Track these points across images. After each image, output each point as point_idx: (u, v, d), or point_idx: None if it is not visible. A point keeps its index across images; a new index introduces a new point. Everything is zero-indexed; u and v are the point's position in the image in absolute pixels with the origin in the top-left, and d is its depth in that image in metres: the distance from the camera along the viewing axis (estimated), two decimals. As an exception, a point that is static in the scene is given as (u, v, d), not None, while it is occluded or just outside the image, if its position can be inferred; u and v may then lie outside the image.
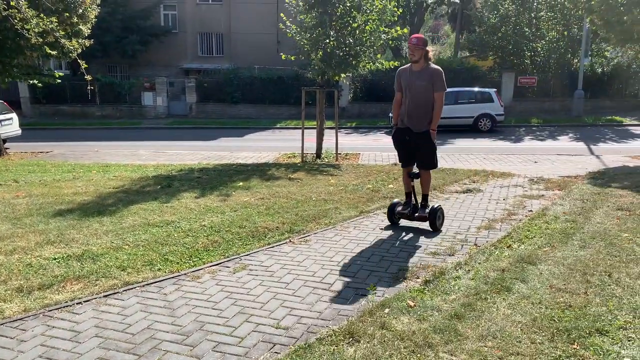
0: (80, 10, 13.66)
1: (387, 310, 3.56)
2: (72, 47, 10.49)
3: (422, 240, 5.32)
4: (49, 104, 27.01)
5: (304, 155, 11.99)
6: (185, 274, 4.40)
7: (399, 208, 5.82)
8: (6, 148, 14.44)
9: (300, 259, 4.78)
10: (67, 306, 3.73)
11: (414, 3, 36.08)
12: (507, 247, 4.92)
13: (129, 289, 4.06)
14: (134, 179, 9.17)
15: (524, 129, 19.90)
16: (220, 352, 3.08)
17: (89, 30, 14.29)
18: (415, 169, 5.77)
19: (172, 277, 4.32)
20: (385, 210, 6.17)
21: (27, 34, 7.18)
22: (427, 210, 5.63)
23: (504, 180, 8.62)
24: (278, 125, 22.90)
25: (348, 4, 10.91)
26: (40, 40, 9.90)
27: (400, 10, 12.01)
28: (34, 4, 7.53)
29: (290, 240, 5.35)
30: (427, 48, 5.47)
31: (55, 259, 4.75)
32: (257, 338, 3.25)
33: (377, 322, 3.38)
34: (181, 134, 20.12)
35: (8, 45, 12.67)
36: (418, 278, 4.22)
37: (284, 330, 3.36)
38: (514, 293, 3.81)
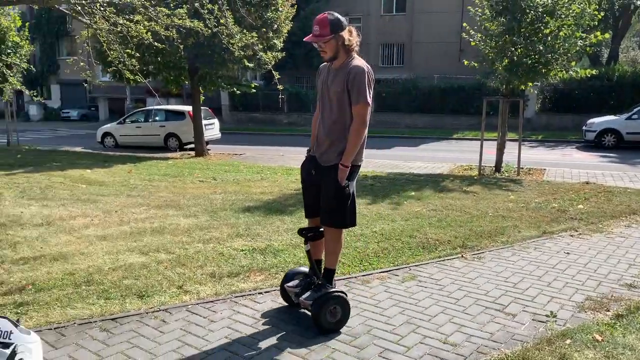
0: (276, 26, 14.93)
1: (568, 342, 3.25)
2: (267, 60, 11.53)
3: (616, 269, 4.74)
4: (244, 111, 30.03)
5: (482, 168, 11.50)
6: (355, 277, 4.53)
7: (290, 283, 3.79)
8: (208, 149, 16.39)
9: (472, 275, 4.60)
10: (250, 294, 4.10)
11: (619, 5, 32.34)
12: None
13: (303, 286, 4.30)
14: (313, 183, 9.70)
15: None
16: (386, 358, 3.11)
17: (281, 44, 15.55)
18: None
19: (344, 279, 4.47)
20: (571, 232, 5.60)
21: (231, 48, 8.07)
22: (317, 295, 3.46)
23: None
24: (455, 136, 22.33)
25: (540, 10, 10.19)
26: (242, 53, 11.06)
27: (602, 14, 10.85)
28: (238, 21, 8.46)
29: (462, 256, 5.18)
30: (343, 33, 3.37)
31: (242, 250, 5.24)
32: (424, 350, 3.21)
33: (556, 352, 3.10)
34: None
35: (215, 59, 14.38)
36: (608, 311, 3.77)
37: (452, 346, 3.26)
38: None
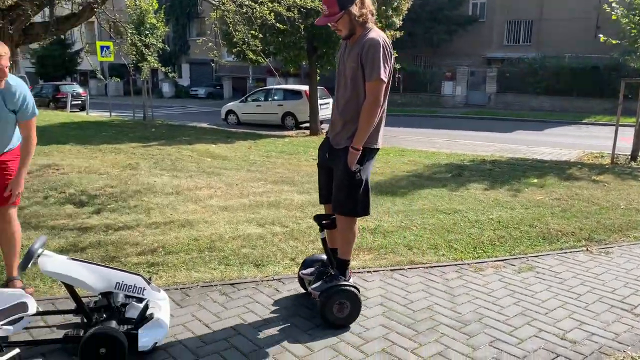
0: (395, 4, 14.69)
1: None
2: (385, 39, 11.41)
3: None
4: (359, 90, 30.06)
5: (615, 156, 10.51)
6: (468, 263, 4.41)
7: (306, 270, 3.64)
8: (322, 128, 16.69)
9: (597, 271, 4.27)
10: (359, 272, 4.16)
11: None
12: None
13: (413, 268, 4.28)
14: (426, 165, 9.53)
15: None
16: (497, 348, 3.00)
17: (400, 22, 15.29)
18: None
19: (455, 265, 4.37)
20: None
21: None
22: (326, 287, 3.25)
23: None
24: (585, 120, 20.61)
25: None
26: (360, 33, 11.07)
27: None
28: None
29: (587, 249, 4.81)
30: (353, 8, 3.04)
31: (353, 229, 5.31)
32: (539, 344, 3.05)
33: (695, 363, 2.80)
34: (477, 125, 19.93)
35: (333, 38, 14.53)
36: None
37: (571, 343, 3.07)
38: None
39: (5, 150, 3.59)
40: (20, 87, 3.48)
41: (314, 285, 3.34)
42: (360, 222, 5.50)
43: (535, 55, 27.11)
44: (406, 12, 15.52)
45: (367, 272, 4.17)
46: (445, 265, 4.35)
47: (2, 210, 3.63)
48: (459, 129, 18.06)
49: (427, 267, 4.30)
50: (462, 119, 22.27)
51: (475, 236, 5.14)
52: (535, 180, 7.99)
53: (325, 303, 3.17)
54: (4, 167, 3.58)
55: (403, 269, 4.27)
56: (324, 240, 3.46)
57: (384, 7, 14.16)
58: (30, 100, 3.57)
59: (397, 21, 15.11)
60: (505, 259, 4.53)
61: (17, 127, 3.62)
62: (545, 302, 3.66)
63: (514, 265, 4.38)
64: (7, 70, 3.33)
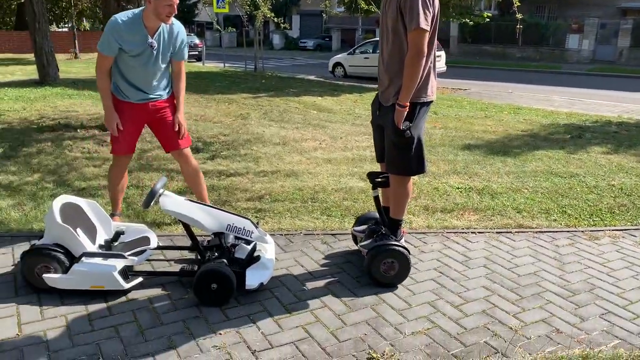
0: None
1: None
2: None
3: None
4: (473, 43, 28.55)
5: None
6: (582, 231, 4.14)
7: (359, 227, 3.56)
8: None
9: None
10: (463, 232, 4.06)
11: None
12: None
13: (521, 232, 4.10)
14: (543, 125, 8.94)
15: None
16: (608, 321, 2.83)
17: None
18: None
19: (568, 231, 4.12)
20: None
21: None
22: (374, 245, 3.16)
23: None
24: None
25: None
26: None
27: None
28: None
29: None
30: None
31: (458, 188, 5.17)
32: (657, 323, 2.83)
33: None
34: (604, 82, 18.20)
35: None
36: None
37: (696, 325, 2.81)
38: None
39: (164, 97, 3.75)
40: (181, 28, 3.68)
41: (364, 243, 3.32)
42: (467, 181, 5.35)
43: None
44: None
45: (472, 232, 4.07)
46: (557, 232, 4.12)
47: (179, 152, 3.85)
48: (583, 86, 16.62)
49: (536, 232, 4.10)
50: (588, 76, 20.43)
51: (593, 202, 4.79)
52: (669, 146, 7.21)
53: (372, 261, 3.11)
54: (164, 113, 3.75)
55: (510, 232, 4.10)
56: (376, 198, 3.38)
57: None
58: (187, 41, 3.76)
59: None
60: (625, 229, 4.19)
61: (169, 72, 3.78)
62: (669, 278, 3.36)
63: (635, 237, 4.04)
64: (176, 7, 3.44)
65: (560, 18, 27.83)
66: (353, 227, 3.65)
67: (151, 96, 3.69)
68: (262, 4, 11.10)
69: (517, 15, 7.42)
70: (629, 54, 24.31)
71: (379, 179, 3.32)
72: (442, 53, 18.22)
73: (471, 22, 16.54)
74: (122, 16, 3.45)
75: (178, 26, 3.65)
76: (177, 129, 3.77)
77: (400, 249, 3.12)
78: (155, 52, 3.55)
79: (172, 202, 3.00)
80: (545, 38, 26.66)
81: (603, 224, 4.33)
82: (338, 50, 34.64)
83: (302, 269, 3.38)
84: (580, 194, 5.04)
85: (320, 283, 3.20)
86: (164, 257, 3.47)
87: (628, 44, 24.35)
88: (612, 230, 4.17)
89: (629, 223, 4.34)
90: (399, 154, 3.10)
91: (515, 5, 7.14)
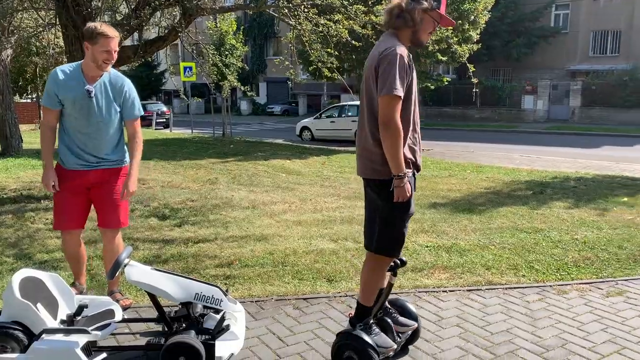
0: (473, 17, 14.43)
1: None
2: (461, 53, 11.21)
3: None
4: (434, 106, 29.67)
5: None
6: (550, 285, 4.19)
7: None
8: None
9: (699, 298, 3.92)
10: (434, 291, 4.06)
11: None
12: None
13: (491, 289, 4.12)
14: (505, 182, 9.20)
15: None
16: (583, 378, 2.82)
17: (477, 36, 14.98)
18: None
19: (537, 287, 4.17)
20: None
21: (425, 43, 8.07)
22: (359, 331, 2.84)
23: None
24: (683, 135, 19.10)
25: None
26: (435, 47, 10.95)
27: None
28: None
29: (686, 274, 4.43)
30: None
31: (427, 246, 5.21)
32: (630, 376, 2.84)
33: None
34: (559, 140, 19.02)
35: (408, 54, 14.50)
36: None
37: (667, 377, 2.83)
38: None
39: (110, 164, 3.49)
40: (126, 81, 3.51)
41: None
42: (435, 239, 5.40)
43: (625, 66, 25.56)
44: (484, 25, 15.18)
45: (443, 291, 4.07)
46: (526, 287, 4.16)
47: (111, 230, 3.58)
48: (540, 144, 17.30)
49: (506, 288, 4.13)
50: (544, 135, 21.32)
51: (559, 257, 4.88)
52: (625, 199, 7.49)
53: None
54: (109, 184, 3.49)
55: (480, 289, 4.12)
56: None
57: (460, 21, 13.94)
58: (137, 96, 3.56)
59: (474, 35, 14.81)
60: (591, 282, 4.26)
61: (122, 136, 3.54)
62: (637, 329, 3.40)
63: (602, 289, 4.11)
64: (115, 55, 3.34)
65: (515, 80, 29.31)
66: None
67: (93, 163, 3.46)
68: (229, 73, 11.38)
69: (473, 80, 7.81)
70: (580, 112, 25.60)
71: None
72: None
73: (432, 86, 17.25)
74: (62, 67, 3.42)
75: (122, 78, 3.49)
76: (123, 195, 3.47)
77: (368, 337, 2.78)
78: (95, 101, 3.37)
79: (138, 272, 2.92)
80: (502, 99, 27.92)
81: (570, 277, 4.39)
82: (305, 114, 35.36)
83: (274, 337, 3.29)
84: (546, 248, 5.14)
85: (293, 350, 3.12)
86: (129, 330, 3.34)
87: (579, 103, 25.69)
88: (579, 284, 4.23)
89: (594, 276, 4.42)
90: (376, 230, 2.88)
91: (471, 70, 7.53)
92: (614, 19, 27.51)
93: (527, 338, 3.29)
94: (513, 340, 3.25)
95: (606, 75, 25.94)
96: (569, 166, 11.75)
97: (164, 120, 27.73)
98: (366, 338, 2.77)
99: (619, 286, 4.17)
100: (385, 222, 2.82)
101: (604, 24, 27.98)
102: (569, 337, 3.29)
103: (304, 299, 3.89)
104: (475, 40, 14.88)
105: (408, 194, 2.71)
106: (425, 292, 4.05)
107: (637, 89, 23.74)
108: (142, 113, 3.69)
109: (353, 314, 3.03)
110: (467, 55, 13.39)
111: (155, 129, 25.92)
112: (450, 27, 9.25)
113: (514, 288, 4.13)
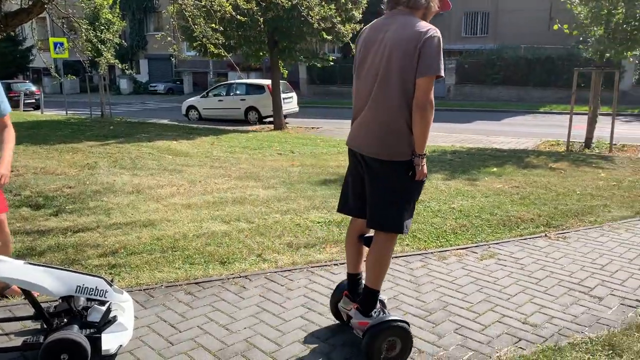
0: (355, -4, 14.73)
1: (661, 330, 3.05)
2: (345, 32, 11.44)
3: None
4: (322, 84, 30.12)
5: (570, 143, 10.87)
6: (432, 252, 4.48)
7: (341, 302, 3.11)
8: (286, 123, 16.64)
9: (556, 255, 4.41)
10: (326, 265, 4.17)
11: None
12: None
13: (379, 259, 4.31)
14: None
15: None
16: (462, 335, 3.07)
17: (360, 15, 15.34)
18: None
19: (419, 254, 4.44)
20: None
21: (310, 20, 8.09)
22: (372, 322, 2.75)
23: None
24: (541, 110, 21.22)
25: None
26: (320, 26, 11.06)
27: None
28: (317, -8, 8.49)
29: (546, 235, 4.96)
30: None
31: (319, 222, 5.32)
32: (502, 329, 3.13)
33: (647, 340, 2.92)
34: (436, 116, 20.05)
35: (294, 32, 14.47)
36: None
37: (532, 327, 3.16)
38: None
39: None
40: None
41: (354, 318, 2.89)
42: (327, 215, 5.52)
43: (493, 46, 27.69)
44: (366, 5, 15.58)
45: (335, 264, 4.19)
46: (410, 255, 4.41)
47: None
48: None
49: (392, 258, 4.34)
50: (424, 111, 22.53)
51: (438, 225, 5.23)
52: (495, 169, 8.18)
53: (372, 342, 2.70)
54: None
55: (369, 260, 4.29)
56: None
57: (343, 1, 14.18)
58: (1, 94, 3.35)
59: (357, 14, 15.16)
60: (467, 247, 4.62)
61: None
62: (506, 288, 3.76)
63: (476, 253, 4.48)
64: None
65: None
66: (336, 301, 3.15)
67: None
68: (105, 49, 10.63)
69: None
70: (455, 90, 27.38)
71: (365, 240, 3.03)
72: (293, 94, 18.96)
73: (318, 65, 17.47)
74: None
75: None
76: None
77: (388, 321, 2.74)
78: None
79: (8, 267, 2.67)
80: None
81: (449, 244, 4.73)
82: (191, 93, 34.23)
83: (165, 324, 3.19)
84: (427, 218, 5.47)
85: (186, 336, 3.05)
86: (2, 331, 3.06)
87: (454, 81, 27.44)
88: (457, 249, 4.57)
89: (469, 241, 4.80)
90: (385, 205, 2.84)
91: (354, 50, 7.72)
92: (482, 1, 29.60)
93: (412, 303, 3.50)
94: (400, 307, 3.45)
95: (477, 54, 27.92)
96: (445, 140, 12.56)
97: (34, 100, 25.36)
98: (405, 325, 2.74)
99: (491, 249, 4.57)
100: (407, 200, 2.82)
101: (475, 5, 30.00)
102: (449, 300, 3.55)
103: (196, 283, 3.80)
104: (358, 19, 15.22)
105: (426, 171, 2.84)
106: (318, 266, 4.14)
107: (503, 67, 25.85)
108: (10, 110, 3.45)
109: (358, 304, 2.89)
110: (351, 34, 13.70)
111: (24, 111, 23.65)
112: (334, 7, 9.40)
113: (399, 257, 4.36)
